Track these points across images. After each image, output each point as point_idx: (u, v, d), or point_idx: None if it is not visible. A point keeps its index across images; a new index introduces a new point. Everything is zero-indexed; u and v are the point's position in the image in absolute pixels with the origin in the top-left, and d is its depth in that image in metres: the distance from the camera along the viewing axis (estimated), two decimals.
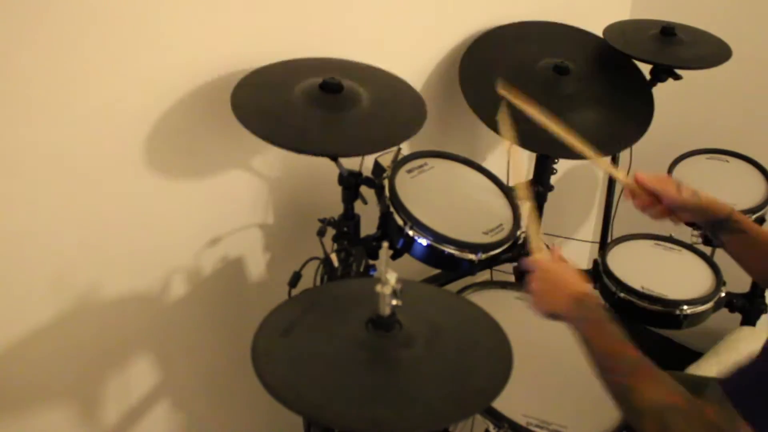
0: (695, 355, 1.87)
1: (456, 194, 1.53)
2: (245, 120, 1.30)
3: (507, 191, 1.57)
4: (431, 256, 1.39)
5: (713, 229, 1.34)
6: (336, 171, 1.45)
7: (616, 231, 2.07)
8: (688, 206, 1.34)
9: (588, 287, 1.19)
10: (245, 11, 1.43)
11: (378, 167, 1.48)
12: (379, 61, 1.56)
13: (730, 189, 1.86)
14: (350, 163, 1.49)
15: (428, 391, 0.96)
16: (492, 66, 1.83)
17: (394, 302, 0.99)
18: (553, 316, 1.19)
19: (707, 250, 1.82)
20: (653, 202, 1.38)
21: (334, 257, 1.47)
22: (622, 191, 2.15)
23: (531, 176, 1.92)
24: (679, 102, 2.06)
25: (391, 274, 0.97)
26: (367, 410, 0.92)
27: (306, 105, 1.35)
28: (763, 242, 1.30)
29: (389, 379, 0.98)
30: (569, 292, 1.16)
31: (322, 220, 1.48)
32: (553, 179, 1.88)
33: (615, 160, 2.02)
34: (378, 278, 0.98)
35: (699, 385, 1.38)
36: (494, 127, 1.65)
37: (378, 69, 1.54)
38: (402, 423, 0.91)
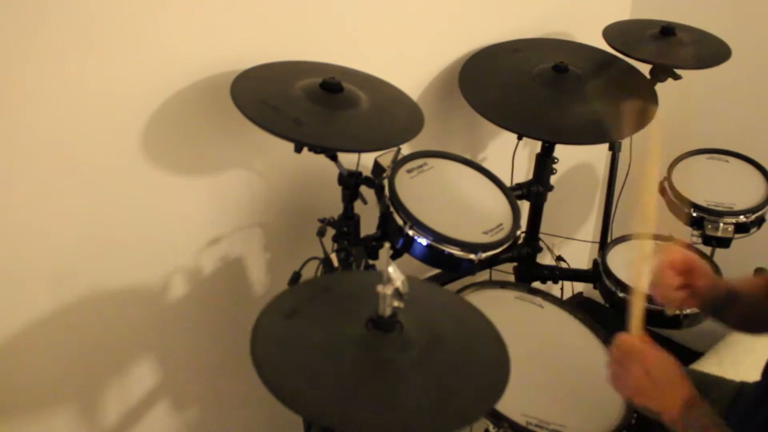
0: (695, 355, 1.87)
1: (456, 194, 1.53)
2: (243, 107, 1.30)
3: (507, 191, 1.57)
4: (431, 256, 1.39)
5: (718, 309, 1.27)
6: (336, 171, 1.45)
7: (616, 231, 2.07)
8: (712, 296, 1.25)
9: (692, 388, 1.13)
10: (249, 14, 1.43)
11: (378, 167, 1.48)
12: (380, 71, 1.56)
13: (730, 189, 1.86)
14: (349, 163, 1.49)
15: (413, 400, 0.95)
16: (491, 68, 1.84)
17: (395, 304, 0.98)
18: (649, 411, 1.13)
19: (707, 250, 1.82)
20: (682, 286, 1.24)
21: (333, 257, 1.47)
22: (621, 191, 2.16)
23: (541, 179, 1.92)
24: (679, 102, 2.06)
25: (397, 275, 0.96)
26: (344, 407, 0.92)
27: (306, 100, 1.35)
28: (752, 298, 1.26)
29: (376, 380, 0.97)
30: (681, 395, 1.11)
31: (322, 220, 1.48)
32: (553, 179, 1.88)
33: (615, 157, 2.02)
34: (379, 276, 0.98)
35: (705, 385, 1.39)
36: (493, 119, 1.67)
37: (379, 79, 1.55)
38: (376, 427, 0.91)
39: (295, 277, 1.52)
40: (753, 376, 1.26)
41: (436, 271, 1.78)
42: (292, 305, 1.07)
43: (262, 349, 0.97)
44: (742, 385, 1.35)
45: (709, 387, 1.38)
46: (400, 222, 1.38)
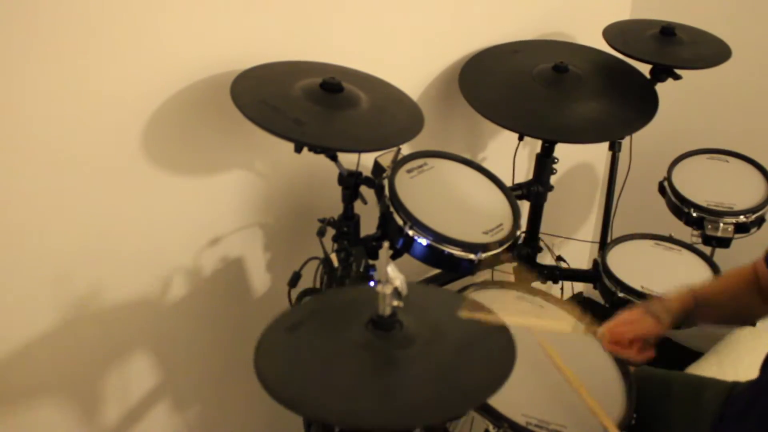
0: (695, 355, 1.87)
1: (456, 194, 1.53)
2: (243, 107, 1.30)
3: (507, 191, 1.57)
4: (431, 256, 1.39)
5: (688, 320, 1.28)
6: (336, 171, 1.45)
7: (616, 231, 2.07)
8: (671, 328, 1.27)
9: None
10: (249, 14, 1.43)
11: (378, 167, 1.48)
12: (380, 71, 1.56)
13: (730, 189, 1.86)
14: (349, 163, 1.49)
15: (416, 392, 0.95)
16: (491, 69, 1.84)
17: (395, 303, 0.99)
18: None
19: (707, 250, 1.82)
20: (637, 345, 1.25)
21: (333, 257, 1.47)
22: (621, 191, 2.16)
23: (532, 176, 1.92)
24: (679, 102, 2.06)
25: (396, 275, 0.96)
26: (352, 405, 0.92)
27: (305, 100, 1.35)
28: (727, 296, 1.29)
29: (380, 378, 0.98)
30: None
31: (322, 220, 1.48)
32: (553, 179, 1.88)
33: (615, 157, 2.02)
34: (379, 278, 0.98)
35: (700, 386, 1.40)
36: (494, 119, 1.68)
37: (379, 79, 1.55)
38: (385, 420, 0.91)
39: (295, 277, 1.52)
40: (752, 375, 1.26)
41: (436, 271, 1.78)
42: (294, 320, 1.08)
43: (267, 364, 0.97)
44: (736, 385, 1.35)
45: (703, 388, 1.38)
46: (400, 222, 1.38)
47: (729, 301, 1.28)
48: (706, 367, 1.76)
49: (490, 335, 1.08)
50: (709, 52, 1.84)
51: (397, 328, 1.00)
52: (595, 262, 1.80)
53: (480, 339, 1.08)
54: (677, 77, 1.84)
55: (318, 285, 1.52)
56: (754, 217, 1.78)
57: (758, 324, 2.00)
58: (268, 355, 0.99)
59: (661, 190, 1.91)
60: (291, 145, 1.33)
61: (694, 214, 1.79)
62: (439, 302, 1.18)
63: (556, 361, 1.32)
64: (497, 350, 1.04)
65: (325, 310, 1.13)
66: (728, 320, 1.32)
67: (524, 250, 1.93)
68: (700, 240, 1.80)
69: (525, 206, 1.86)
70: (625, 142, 2.03)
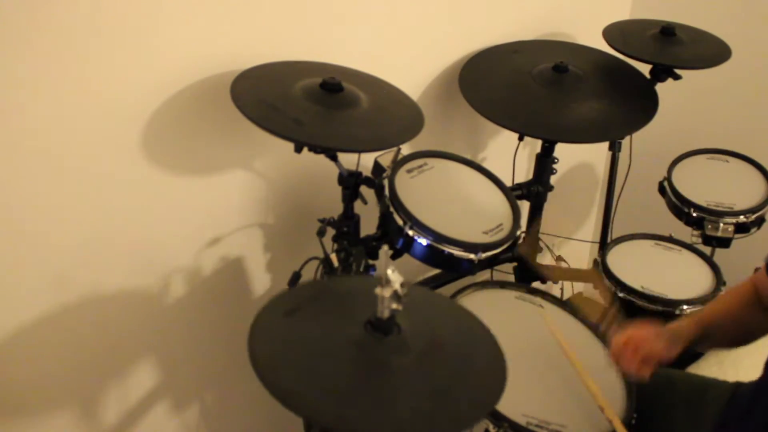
0: (695, 356, 1.87)
1: (456, 194, 1.53)
2: (243, 107, 1.30)
3: (507, 191, 1.57)
4: (431, 256, 1.39)
5: (693, 347, 1.29)
6: (336, 171, 1.45)
7: (616, 231, 2.07)
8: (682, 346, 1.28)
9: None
10: (249, 14, 1.43)
11: (378, 167, 1.48)
12: (380, 71, 1.56)
13: (730, 189, 1.86)
14: (349, 163, 1.49)
15: (409, 403, 0.95)
16: (491, 69, 1.84)
17: (394, 306, 0.98)
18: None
19: (707, 250, 1.82)
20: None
21: (333, 257, 1.47)
22: (621, 191, 2.16)
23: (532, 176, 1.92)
24: (679, 102, 2.06)
25: (396, 277, 0.96)
26: (340, 407, 0.92)
27: (305, 100, 1.35)
28: (731, 320, 1.29)
29: (373, 382, 0.97)
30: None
31: (322, 220, 1.48)
32: (553, 179, 1.88)
33: (615, 157, 2.02)
34: (378, 280, 0.98)
35: (703, 386, 1.39)
36: (493, 119, 1.69)
37: (379, 79, 1.55)
38: (372, 428, 0.91)
39: (295, 277, 1.52)
40: (753, 376, 1.26)
41: (437, 271, 1.78)
42: (292, 304, 1.07)
43: (260, 346, 0.97)
44: (738, 385, 1.35)
45: (706, 389, 1.38)
46: (400, 222, 1.38)
47: (733, 324, 1.28)
48: (706, 368, 1.76)
49: (484, 349, 1.07)
50: (709, 52, 1.84)
51: (395, 332, 0.99)
52: (595, 262, 1.80)
53: (475, 352, 1.07)
54: (677, 77, 1.84)
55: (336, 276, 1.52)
56: (754, 217, 1.78)
57: None
58: (263, 339, 0.98)
59: (661, 190, 1.91)
60: (291, 145, 1.32)
61: (694, 214, 1.79)
62: (438, 309, 1.18)
63: (566, 350, 1.32)
64: (490, 366, 1.03)
65: (324, 299, 1.12)
66: (733, 343, 1.32)
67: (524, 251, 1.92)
68: (700, 240, 1.80)
69: (525, 206, 1.86)
70: (625, 142, 2.03)
